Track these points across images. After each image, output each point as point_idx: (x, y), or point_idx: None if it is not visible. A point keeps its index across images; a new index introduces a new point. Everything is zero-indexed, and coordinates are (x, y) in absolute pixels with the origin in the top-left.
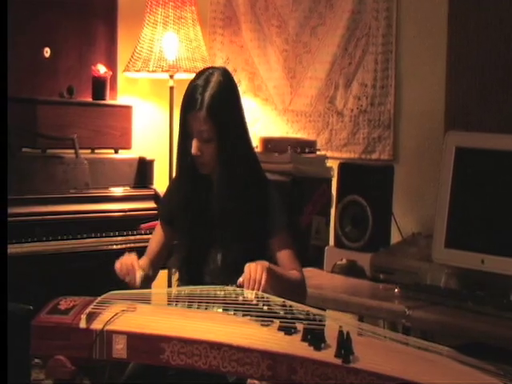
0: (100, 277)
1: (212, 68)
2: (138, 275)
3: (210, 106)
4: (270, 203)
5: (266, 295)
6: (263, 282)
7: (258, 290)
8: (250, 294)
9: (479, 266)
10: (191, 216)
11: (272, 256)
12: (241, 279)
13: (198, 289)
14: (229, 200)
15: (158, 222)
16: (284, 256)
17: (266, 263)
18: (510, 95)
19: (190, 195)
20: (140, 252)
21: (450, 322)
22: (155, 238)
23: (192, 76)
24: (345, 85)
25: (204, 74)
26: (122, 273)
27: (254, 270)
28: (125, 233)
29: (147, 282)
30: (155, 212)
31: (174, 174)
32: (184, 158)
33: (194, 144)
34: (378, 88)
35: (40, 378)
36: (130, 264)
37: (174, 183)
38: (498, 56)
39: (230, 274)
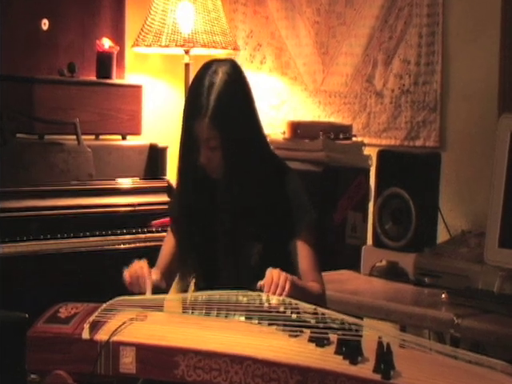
0: (105, 280)
1: (216, 63)
2: (149, 283)
3: (215, 113)
4: (291, 196)
5: (294, 301)
6: (287, 288)
7: (280, 295)
8: (273, 299)
9: None
10: (202, 222)
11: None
12: (261, 282)
13: (216, 294)
14: (237, 204)
15: (168, 219)
16: (304, 263)
17: (288, 274)
18: None
19: (199, 202)
20: (151, 253)
21: (504, 333)
22: (167, 245)
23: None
24: (384, 61)
25: (207, 74)
26: (131, 284)
27: (277, 275)
28: (134, 230)
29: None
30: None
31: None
32: (190, 166)
33: (201, 153)
34: (422, 65)
35: None
36: (140, 273)
37: (178, 191)
38: None
39: (252, 279)
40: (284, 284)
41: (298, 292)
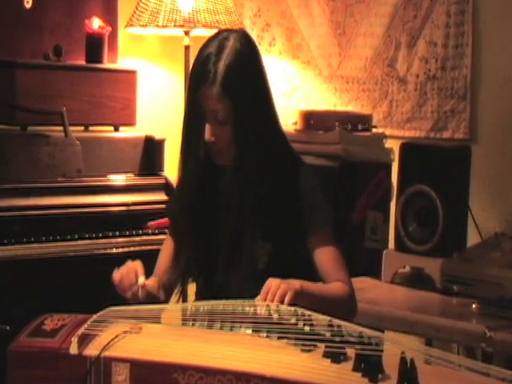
0: (96, 289)
1: (227, 31)
2: (141, 281)
3: (226, 79)
4: (304, 192)
5: (307, 312)
6: (287, 299)
7: (279, 302)
8: (260, 308)
9: None
10: (205, 217)
11: (312, 261)
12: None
13: (220, 304)
14: (246, 191)
15: (166, 220)
16: (325, 261)
17: (295, 283)
18: None
19: (203, 194)
20: (147, 257)
21: None
22: (165, 252)
23: (213, 32)
24: (408, 44)
25: (217, 40)
26: (122, 285)
27: (277, 285)
28: (127, 233)
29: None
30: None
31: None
32: (193, 147)
33: (207, 128)
34: (450, 48)
35: None
36: (132, 274)
37: (181, 181)
38: None
39: (260, 285)
40: (283, 293)
41: (313, 301)
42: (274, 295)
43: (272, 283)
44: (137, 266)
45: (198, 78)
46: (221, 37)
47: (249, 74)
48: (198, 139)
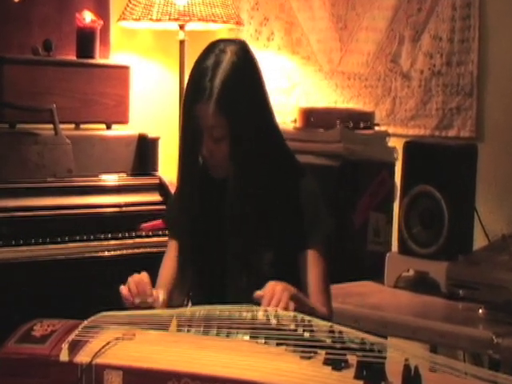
0: (87, 293)
1: (224, 42)
2: (161, 299)
3: (221, 96)
4: (304, 204)
5: (307, 318)
6: (291, 307)
7: (282, 308)
8: (261, 313)
9: None
10: (204, 231)
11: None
12: (260, 292)
13: (217, 309)
14: (247, 205)
15: (160, 222)
16: (312, 281)
17: (291, 288)
18: None
19: (202, 207)
20: (140, 260)
21: None
22: (168, 262)
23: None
24: (412, 38)
25: (214, 52)
26: (130, 294)
27: (280, 290)
28: (120, 235)
29: None
30: (160, 207)
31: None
32: (190, 161)
33: (204, 144)
34: (456, 42)
35: None
36: (146, 287)
37: (178, 193)
38: None
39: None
40: (287, 300)
41: (303, 309)
42: (279, 300)
43: (274, 286)
44: (145, 279)
45: (193, 93)
46: (217, 50)
47: (246, 89)
48: (194, 154)
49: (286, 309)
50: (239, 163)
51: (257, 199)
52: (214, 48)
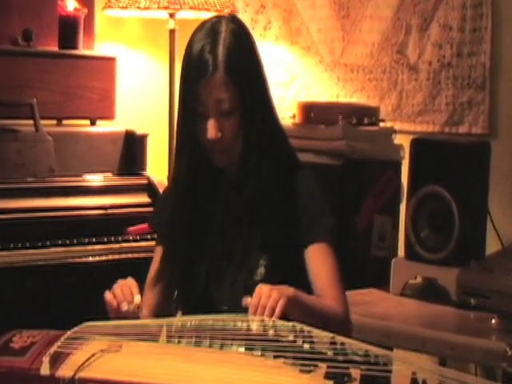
0: (70, 301)
1: (216, 16)
2: (137, 301)
3: (229, 63)
4: (303, 199)
5: (306, 328)
6: (277, 311)
7: (270, 316)
8: (254, 324)
9: None
10: (200, 229)
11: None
12: (247, 299)
13: (209, 319)
14: (256, 198)
15: (149, 227)
16: (320, 276)
17: (289, 290)
18: None
19: (201, 203)
20: (126, 267)
21: None
22: (155, 267)
23: (201, 15)
24: (420, 27)
25: (207, 27)
26: (117, 297)
27: (267, 294)
28: (105, 239)
29: None
30: (149, 210)
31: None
32: (190, 148)
33: (211, 124)
34: (467, 32)
35: None
36: (128, 292)
37: (171, 192)
38: None
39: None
40: (274, 305)
41: (304, 313)
42: (265, 307)
43: (261, 292)
44: (131, 283)
45: (194, 71)
46: (210, 23)
47: (250, 56)
48: (196, 139)
49: (271, 315)
50: (251, 140)
51: (258, 194)
52: (207, 22)
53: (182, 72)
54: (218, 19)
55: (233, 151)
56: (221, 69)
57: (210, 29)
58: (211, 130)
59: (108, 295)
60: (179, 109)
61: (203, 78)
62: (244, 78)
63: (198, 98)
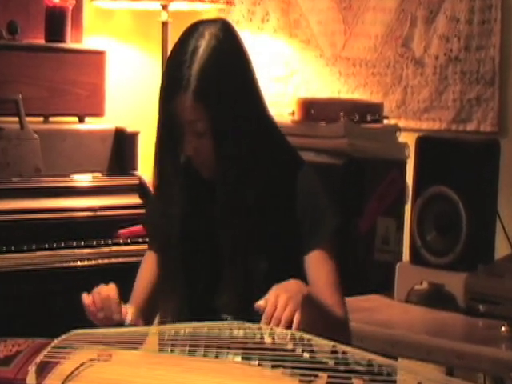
0: (57, 308)
1: (203, 24)
2: (129, 313)
3: (199, 86)
4: (303, 201)
5: (306, 336)
6: (295, 325)
7: (284, 326)
8: (267, 335)
9: None
10: (191, 237)
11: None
12: (261, 302)
13: (204, 326)
14: (239, 208)
15: (139, 228)
16: (321, 281)
17: (303, 288)
18: None
19: (187, 210)
20: (117, 271)
21: None
22: (144, 273)
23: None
24: (426, 19)
25: (192, 37)
26: (94, 306)
27: (283, 304)
28: (95, 242)
29: None
30: (140, 211)
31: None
32: (170, 162)
33: (186, 141)
34: (475, 24)
35: None
36: (105, 295)
37: (158, 195)
38: None
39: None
40: (290, 318)
41: (314, 314)
42: (280, 319)
43: (278, 302)
44: (111, 287)
45: (170, 85)
46: (196, 34)
47: (228, 77)
48: (175, 154)
49: (289, 326)
50: (226, 161)
51: (249, 200)
52: (193, 31)
53: (161, 83)
54: (203, 29)
55: (213, 166)
56: (191, 89)
57: (194, 40)
58: (186, 147)
59: (87, 299)
60: (159, 121)
61: (178, 94)
62: (215, 100)
63: (174, 112)
